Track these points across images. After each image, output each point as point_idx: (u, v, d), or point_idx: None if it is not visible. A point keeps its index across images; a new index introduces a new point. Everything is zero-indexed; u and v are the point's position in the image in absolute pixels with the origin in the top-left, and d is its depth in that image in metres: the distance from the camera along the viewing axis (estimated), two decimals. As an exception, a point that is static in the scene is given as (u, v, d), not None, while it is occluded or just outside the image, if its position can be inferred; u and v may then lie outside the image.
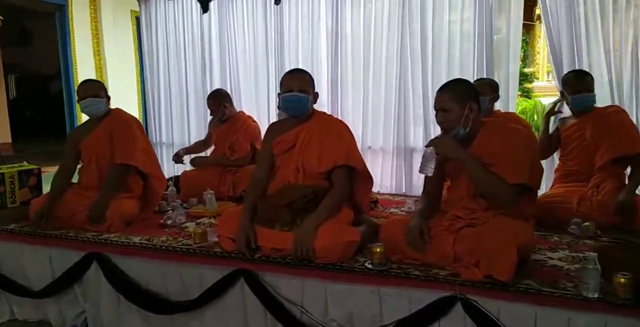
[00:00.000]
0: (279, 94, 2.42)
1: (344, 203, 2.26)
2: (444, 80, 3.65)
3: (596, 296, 1.72)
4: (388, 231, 2.18)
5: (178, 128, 5.01)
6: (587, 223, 2.58)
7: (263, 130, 4.01)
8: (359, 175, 2.34)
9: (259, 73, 4.54)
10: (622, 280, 1.66)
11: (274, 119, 4.40)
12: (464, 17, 3.76)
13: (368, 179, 2.38)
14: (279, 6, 4.19)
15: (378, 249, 2.04)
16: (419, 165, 2.05)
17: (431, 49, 3.85)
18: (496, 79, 3.42)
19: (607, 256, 1.74)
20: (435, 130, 3.84)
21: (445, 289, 1.89)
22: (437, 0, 3.79)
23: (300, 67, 4.21)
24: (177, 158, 3.91)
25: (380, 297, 2.00)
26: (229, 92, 4.00)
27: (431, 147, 2.02)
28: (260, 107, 4.55)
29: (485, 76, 3.55)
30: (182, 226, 2.85)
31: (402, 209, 3.26)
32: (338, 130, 2.34)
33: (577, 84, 2.83)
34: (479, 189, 2.03)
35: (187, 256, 2.34)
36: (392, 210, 3.24)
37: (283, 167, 2.36)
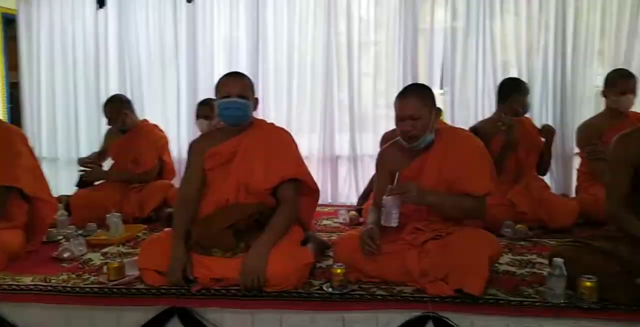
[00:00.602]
0: (211, 100, 2.11)
1: (294, 221, 2.03)
2: (370, 88, 3.75)
3: (562, 301, 1.72)
4: (343, 248, 2.00)
5: (64, 140, 4.27)
6: (519, 225, 2.67)
7: (172, 140, 3.65)
8: (304, 188, 2.12)
9: (166, 77, 4.05)
10: (588, 284, 1.68)
11: (184, 128, 3.99)
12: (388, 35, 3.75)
13: (314, 192, 2.17)
14: (191, 3, 3.80)
15: (338, 270, 1.85)
16: (382, 218, 1.87)
17: (357, 54, 3.78)
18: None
19: (571, 259, 1.75)
20: (362, 138, 3.78)
21: (414, 308, 1.76)
22: (363, 10, 3.74)
23: (215, 71, 3.91)
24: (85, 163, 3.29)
25: (345, 324, 1.80)
26: (129, 98, 3.48)
27: (392, 197, 1.84)
28: (168, 115, 4.06)
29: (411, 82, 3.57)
30: (83, 258, 2.36)
31: (336, 220, 3.12)
32: (283, 141, 2.09)
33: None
34: (450, 217, 1.96)
35: (101, 298, 1.90)
36: (325, 222, 3.07)
37: (218, 183, 2.05)
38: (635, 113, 3.12)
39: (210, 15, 3.91)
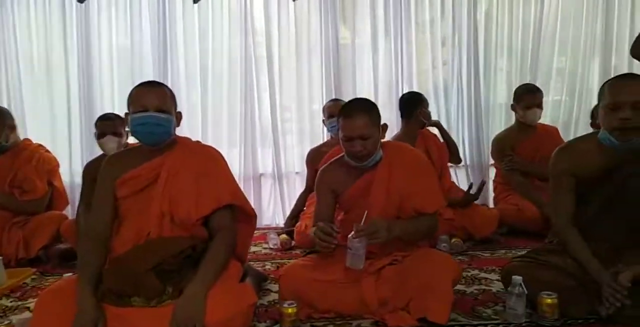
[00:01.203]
0: (126, 114, 1.75)
1: (232, 254, 1.73)
2: (293, 99, 3.54)
3: (524, 321, 1.66)
4: (289, 281, 1.76)
5: None
6: (455, 239, 2.63)
7: (62, 163, 3.11)
8: (240, 215, 1.84)
9: (54, 89, 3.47)
10: (549, 301, 1.62)
11: (77, 148, 3.43)
12: (311, 28, 3.57)
13: (252, 218, 1.90)
14: (83, 4, 3.29)
15: (290, 310, 1.60)
16: (348, 260, 1.66)
17: (277, 66, 3.56)
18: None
19: (526, 276, 1.69)
20: (286, 153, 3.55)
21: (376, 345, 1.58)
22: (282, 15, 3.53)
23: (115, 81, 3.44)
24: None
25: (301, 372, 1.57)
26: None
27: (359, 238, 1.64)
28: (56, 133, 3.48)
29: (334, 88, 3.47)
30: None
31: (265, 245, 2.85)
32: (215, 161, 1.79)
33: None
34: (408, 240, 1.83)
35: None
36: (253, 248, 2.79)
37: (135, 214, 1.70)
38: (544, 125, 3.30)
39: (107, 17, 3.45)
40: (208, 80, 3.52)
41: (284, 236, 2.86)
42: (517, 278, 1.67)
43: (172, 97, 1.75)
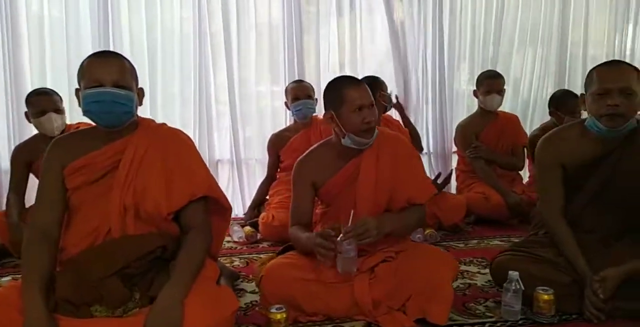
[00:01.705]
0: (76, 90, 1.45)
1: (207, 252, 1.51)
2: (253, 80, 3.27)
3: (519, 317, 1.60)
4: (273, 282, 1.57)
5: None
6: (429, 230, 2.56)
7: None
8: (214, 207, 1.62)
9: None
10: (547, 297, 1.57)
11: (2, 131, 2.97)
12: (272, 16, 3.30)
13: (227, 211, 1.68)
14: None
15: (278, 316, 1.43)
16: (339, 265, 1.50)
17: (237, 49, 3.26)
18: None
19: (519, 271, 1.62)
20: (246, 138, 3.30)
21: (372, 350, 1.45)
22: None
23: (47, 54, 3.00)
24: None
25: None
26: None
27: (348, 240, 1.48)
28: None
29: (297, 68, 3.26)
30: None
31: (229, 239, 2.62)
32: (186, 147, 1.55)
33: None
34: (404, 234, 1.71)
35: None
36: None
37: (90, 208, 1.43)
38: (505, 113, 3.30)
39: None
40: (157, 58, 3.17)
41: (248, 228, 2.66)
42: (514, 274, 1.60)
43: (133, 70, 1.47)
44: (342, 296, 1.56)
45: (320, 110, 2.64)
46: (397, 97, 3.43)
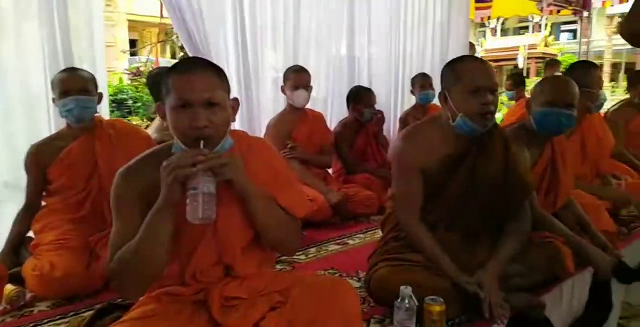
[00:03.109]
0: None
1: None
2: None
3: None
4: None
5: None
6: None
7: None
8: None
9: None
10: (438, 308, 1.46)
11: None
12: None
13: None
14: None
15: None
16: (196, 209, 1.09)
17: None
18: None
19: (401, 282, 1.48)
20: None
21: None
22: None
23: None
24: None
25: None
26: None
27: (204, 173, 1.10)
28: None
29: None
30: None
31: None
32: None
33: None
34: (268, 235, 1.30)
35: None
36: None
37: None
38: (312, 111, 3.23)
39: None
40: None
41: (10, 286, 1.75)
42: (407, 290, 1.45)
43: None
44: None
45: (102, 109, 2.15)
46: None
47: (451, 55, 4.74)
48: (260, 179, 1.26)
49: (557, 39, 24.27)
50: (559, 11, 6.72)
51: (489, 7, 6.54)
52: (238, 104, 1.32)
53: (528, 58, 17.89)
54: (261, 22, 3.29)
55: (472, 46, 5.39)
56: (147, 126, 3.28)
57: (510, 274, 1.66)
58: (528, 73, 17.51)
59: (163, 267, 1.21)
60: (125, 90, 5.29)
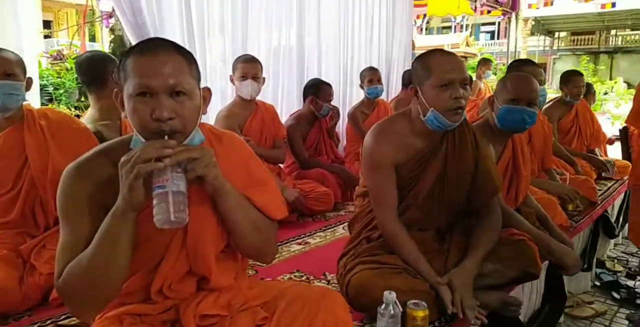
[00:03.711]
0: None
1: None
2: None
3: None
4: None
5: None
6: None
7: None
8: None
9: None
10: (422, 313, 1.41)
11: None
12: None
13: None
14: None
15: None
16: (165, 210, 0.93)
17: None
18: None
19: (389, 286, 1.42)
20: None
21: None
22: None
23: None
24: None
25: None
26: None
27: (172, 168, 0.95)
28: None
29: None
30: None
31: None
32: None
33: None
34: (244, 240, 1.15)
35: None
36: None
37: None
38: (263, 103, 3.08)
39: None
40: None
41: None
42: (391, 295, 1.37)
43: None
44: None
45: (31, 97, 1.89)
46: None
47: (396, 50, 4.78)
48: (233, 177, 1.11)
49: (477, 39, 25.68)
50: (489, 11, 7.01)
51: (425, 5, 6.68)
52: (210, 94, 1.17)
53: (452, 57, 18.70)
54: (209, 11, 3.07)
55: (412, 43, 5.47)
56: (78, 116, 2.95)
57: (484, 273, 1.64)
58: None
59: (123, 283, 1.04)
60: (44, 76, 4.76)
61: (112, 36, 4.16)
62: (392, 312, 1.37)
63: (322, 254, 2.19)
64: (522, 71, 2.60)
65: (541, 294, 2.10)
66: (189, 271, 1.12)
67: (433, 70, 1.56)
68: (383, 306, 1.38)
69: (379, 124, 1.72)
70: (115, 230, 0.97)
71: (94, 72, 2.05)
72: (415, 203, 1.67)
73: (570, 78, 3.45)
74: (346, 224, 2.64)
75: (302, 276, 1.95)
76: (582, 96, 3.57)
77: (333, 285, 1.83)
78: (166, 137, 0.99)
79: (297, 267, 2.02)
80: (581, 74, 3.57)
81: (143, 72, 0.99)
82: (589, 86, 4.19)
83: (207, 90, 1.13)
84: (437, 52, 1.63)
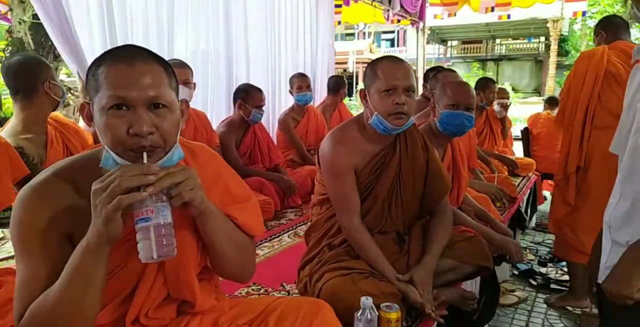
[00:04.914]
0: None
1: None
2: None
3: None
4: None
5: None
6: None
7: None
8: None
9: None
10: (394, 315, 1.43)
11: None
12: None
13: None
14: None
15: None
16: (149, 245, 0.85)
17: None
18: None
19: (361, 291, 1.42)
20: None
21: None
22: None
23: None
24: None
25: None
26: None
27: (157, 197, 0.86)
28: None
29: None
30: None
31: None
32: None
33: None
34: (225, 263, 1.09)
35: None
36: None
37: None
38: (195, 109, 2.97)
39: None
40: None
41: None
42: (368, 301, 1.38)
43: None
44: None
45: None
46: None
47: (320, 56, 4.83)
48: (212, 194, 1.04)
49: (379, 46, 26.88)
50: (399, 21, 7.37)
51: (340, 12, 6.86)
52: (188, 108, 1.09)
53: (356, 63, 19.38)
54: (131, 15, 2.88)
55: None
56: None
57: (443, 269, 1.72)
58: (357, 77, 19.05)
59: (95, 318, 0.93)
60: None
61: (10, 39, 3.71)
62: (368, 317, 1.38)
63: (274, 264, 2.15)
64: (448, 77, 2.79)
65: (478, 287, 2.23)
66: (167, 296, 1.04)
67: (379, 75, 1.62)
68: (360, 312, 1.38)
69: (333, 133, 1.74)
70: (88, 266, 0.87)
71: (24, 78, 1.81)
72: (374, 206, 1.71)
73: (487, 84, 3.75)
74: (291, 232, 2.65)
75: (260, 289, 1.89)
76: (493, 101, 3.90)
77: (294, 295, 1.80)
78: (145, 155, 0.89)
79: (252, 280, 1.95)
80: (494, 82, 3.90)
81: (119, 83, 0.88)
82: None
83: (185, 103, 1.05)
84: (386, 59, 1.69)
